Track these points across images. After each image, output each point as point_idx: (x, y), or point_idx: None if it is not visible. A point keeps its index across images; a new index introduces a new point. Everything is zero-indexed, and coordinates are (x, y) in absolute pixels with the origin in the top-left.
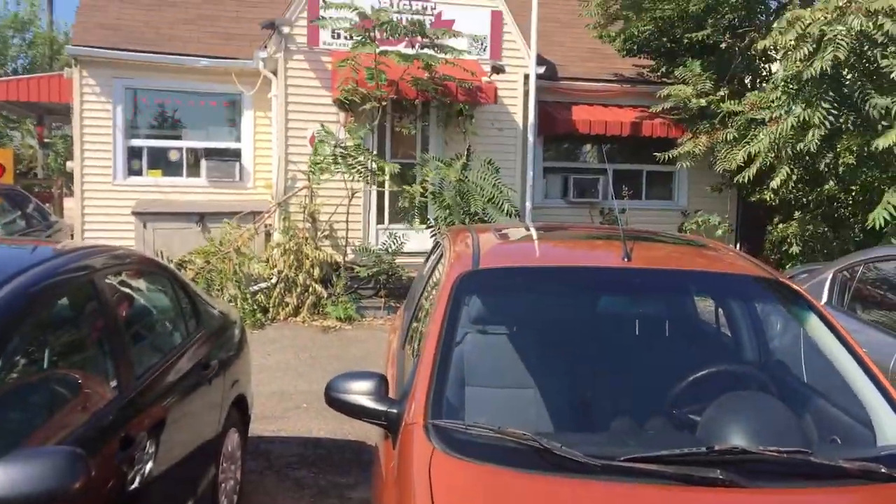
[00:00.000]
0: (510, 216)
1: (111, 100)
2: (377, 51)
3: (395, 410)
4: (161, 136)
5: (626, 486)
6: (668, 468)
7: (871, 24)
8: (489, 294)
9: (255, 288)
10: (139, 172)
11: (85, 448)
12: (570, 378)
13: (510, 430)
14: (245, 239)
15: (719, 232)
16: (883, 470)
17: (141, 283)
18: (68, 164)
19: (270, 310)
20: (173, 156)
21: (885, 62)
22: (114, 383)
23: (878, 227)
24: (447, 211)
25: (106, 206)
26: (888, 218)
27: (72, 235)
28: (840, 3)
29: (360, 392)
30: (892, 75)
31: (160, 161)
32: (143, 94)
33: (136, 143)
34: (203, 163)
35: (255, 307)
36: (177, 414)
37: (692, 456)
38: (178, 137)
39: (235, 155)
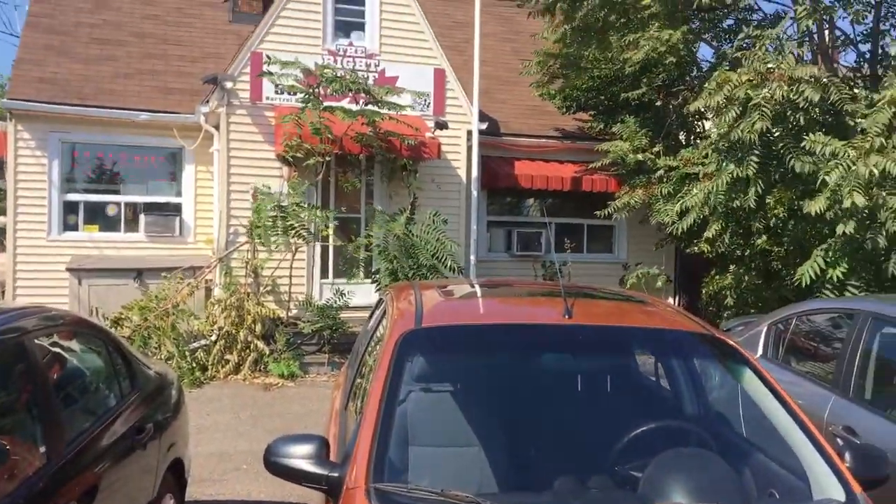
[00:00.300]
0: (453, 272)
1: (47, 154)
2: (321, 107)
3: (336, 474)
4: (99, 191)
5: None
6: None
7: (792, 90)
8: (432, 352)
9: (195, 345)
10: (75, 227)
11: None
12: (513, 436)
13: (452, 493)
14: (184, 295)
15: (659, 284)
16: None
17: (73, 345)
18: (0, 219)
19: (210, 368)
20: (111, 210)
21: (805, 141)
22: (43, 449)
23: (804, 284)
24: (392, 265)
25: (39, 263)
26: (814, 276)
27: (2, 293)
28: (763, 70)
29: (299, 456)
30: (818, 150)
31: (97, 216)
32: (81, 148)
33: (73, 197)
34: (142, 217)
35: (195, 365)
36: (109, 480)
37: None
38: (116, 192)
39: (176, 209)
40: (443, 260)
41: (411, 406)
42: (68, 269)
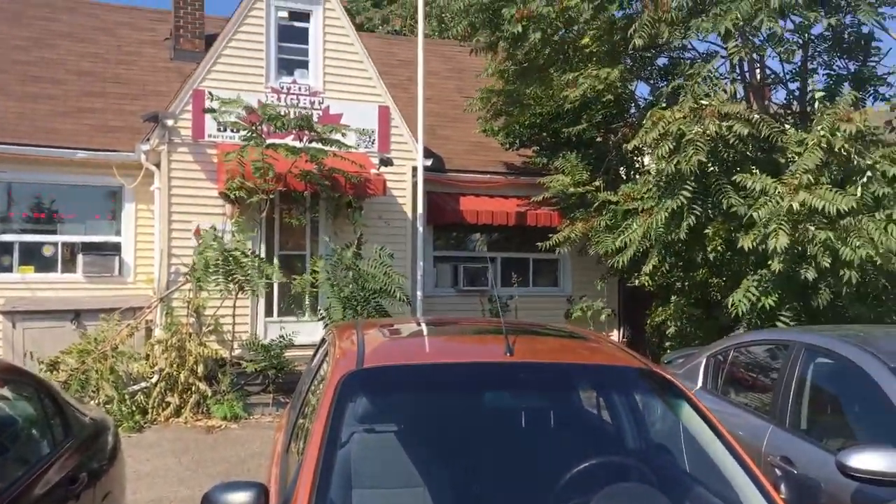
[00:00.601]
0: (403, 302)
1: None
2: (265, 144)
3: None
4: (35, 231)
5: None
6: None
7: (723, 126)
8: (374, 393)
9: (135, 388)
10: (9, 269)
11: None
12: (457, 475)
13: None
14: (124, 336)
15: (603, 317)
16: None
17: (4, 393)
18: None
19: (150, 411)
20: (47, 251)
21: (737, 177)
22: None
23: (739, 313)
24: (343, 295)
25: None
26: (747, 305)
27: None
28: (695, 106)
29: None
30: (749, 186)
31: (33, 256)
32: (17, 187)
33: (7, 238)
34: (80, 257)
35: (134, 408)
36: None
37: None
38: (53, 232)
39: (115, 249)
40: (391, 292)
41: (354, 447)
42: (1, 312)
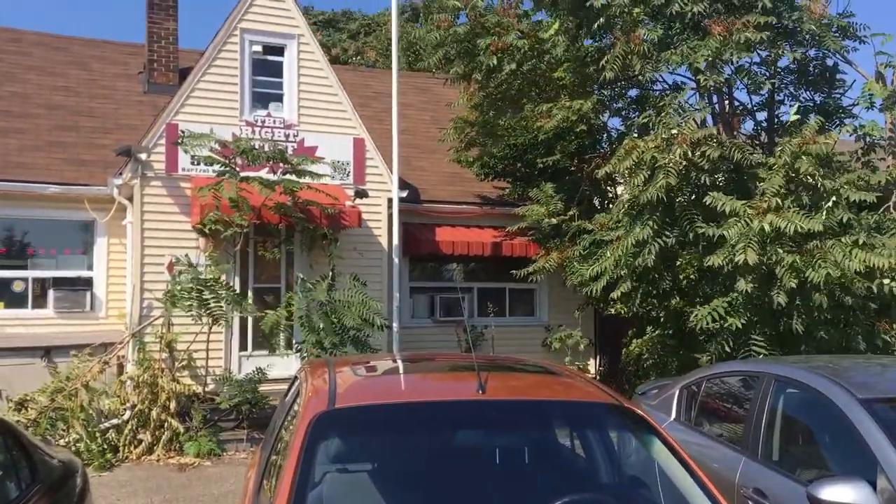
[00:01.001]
0: (381, 329)
1: None
2: (239, 178)
3: None
4: (5, 266)
5: None
6: None
7: (694, 153)
8: (346, 433)
9: (106, 425)
10: None
11: None
12: None
13: None
14: (95, 373)
15: (581, 347)
16: None
17: None
18: None
19: (122, 449)
20: (17, 287)
21: (708, 198)
22: None
23: (704, 329)
24: (317, 335)
25: None
26: (711, 321)
27: None
28: (667, 136)
29: None
30: (719, 207)
31: (3, 292)
32: None
33: None
34: (51, 293)
35: (105, 447)
36: None
37: None
38: (24, 267)
39: (87, 283)
40: (370, 319)
41: (327, 488)
42: None
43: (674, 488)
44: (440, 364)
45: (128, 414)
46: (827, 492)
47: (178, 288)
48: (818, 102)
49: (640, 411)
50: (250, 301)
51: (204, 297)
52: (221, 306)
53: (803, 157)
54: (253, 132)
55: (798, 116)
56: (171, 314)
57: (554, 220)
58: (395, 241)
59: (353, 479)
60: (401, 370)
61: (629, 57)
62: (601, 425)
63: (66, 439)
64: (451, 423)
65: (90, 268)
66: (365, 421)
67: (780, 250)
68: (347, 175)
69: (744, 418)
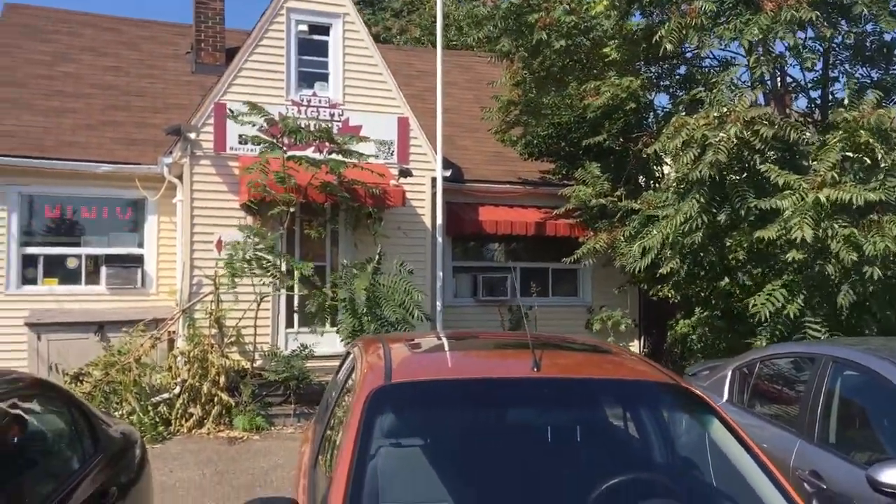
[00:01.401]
0: (421, 321)
1: (6, 207)
2: (286, 156)
3: None
4: (59, 243)
5: None
6: None
7: (747, 131)
8: (402, 408)
9: (157, 399)
10: (34, 281)
11: None
12: (485, 490)
13: None
14: (147, 348)
15: (623, 327)
16: None
17: (34, 408)
18: None
19: (173, 422)
20: (71, 263)
21: (763, 167)
22: None
23: (763, 318)
24: (356, 320)
25: None
26: (771, 310)
27: None
28: (718, 114)
29: None
30: (772, 179)
31: (58, 269)
32: (41, 200)
33: (32, 250)
34: (103, 269)
35: (157, 420)
36: None
37: None
38: (77, 244)
39: (138, 261)
40: (410, 310)
41: (382, 462)
42: (27, 324)
43: (732, 468)
44: (491, 341)
45: (179, 388)
46: (888, 474)
47: (241, 255)
48: (875, 79)
49: (696, 390)
50: (309, 265)
51: (263, 263)
52: (280, 269)
53: (862, 131)
54: (299, 111)
55: (856, 90)
56: (222, 289)
57: (601, 201)
58: (439, 220)
59: (408, 454)
60: (455, 347)
61: (685, 31)
62: (657, 404)
63: (120, 412)
64: (506, 400)
65: (140, 245)
66: (421, 396)
67: (836, 225)
68: (392, 154)
69: (799, 400)
